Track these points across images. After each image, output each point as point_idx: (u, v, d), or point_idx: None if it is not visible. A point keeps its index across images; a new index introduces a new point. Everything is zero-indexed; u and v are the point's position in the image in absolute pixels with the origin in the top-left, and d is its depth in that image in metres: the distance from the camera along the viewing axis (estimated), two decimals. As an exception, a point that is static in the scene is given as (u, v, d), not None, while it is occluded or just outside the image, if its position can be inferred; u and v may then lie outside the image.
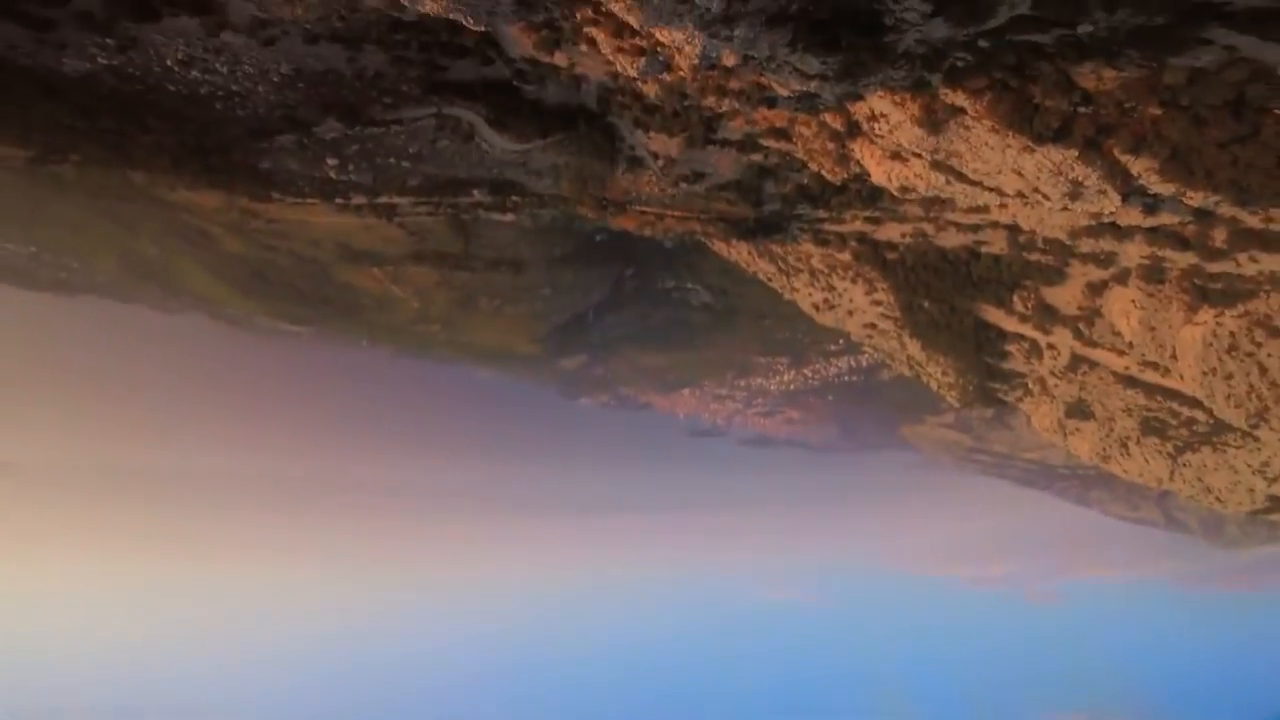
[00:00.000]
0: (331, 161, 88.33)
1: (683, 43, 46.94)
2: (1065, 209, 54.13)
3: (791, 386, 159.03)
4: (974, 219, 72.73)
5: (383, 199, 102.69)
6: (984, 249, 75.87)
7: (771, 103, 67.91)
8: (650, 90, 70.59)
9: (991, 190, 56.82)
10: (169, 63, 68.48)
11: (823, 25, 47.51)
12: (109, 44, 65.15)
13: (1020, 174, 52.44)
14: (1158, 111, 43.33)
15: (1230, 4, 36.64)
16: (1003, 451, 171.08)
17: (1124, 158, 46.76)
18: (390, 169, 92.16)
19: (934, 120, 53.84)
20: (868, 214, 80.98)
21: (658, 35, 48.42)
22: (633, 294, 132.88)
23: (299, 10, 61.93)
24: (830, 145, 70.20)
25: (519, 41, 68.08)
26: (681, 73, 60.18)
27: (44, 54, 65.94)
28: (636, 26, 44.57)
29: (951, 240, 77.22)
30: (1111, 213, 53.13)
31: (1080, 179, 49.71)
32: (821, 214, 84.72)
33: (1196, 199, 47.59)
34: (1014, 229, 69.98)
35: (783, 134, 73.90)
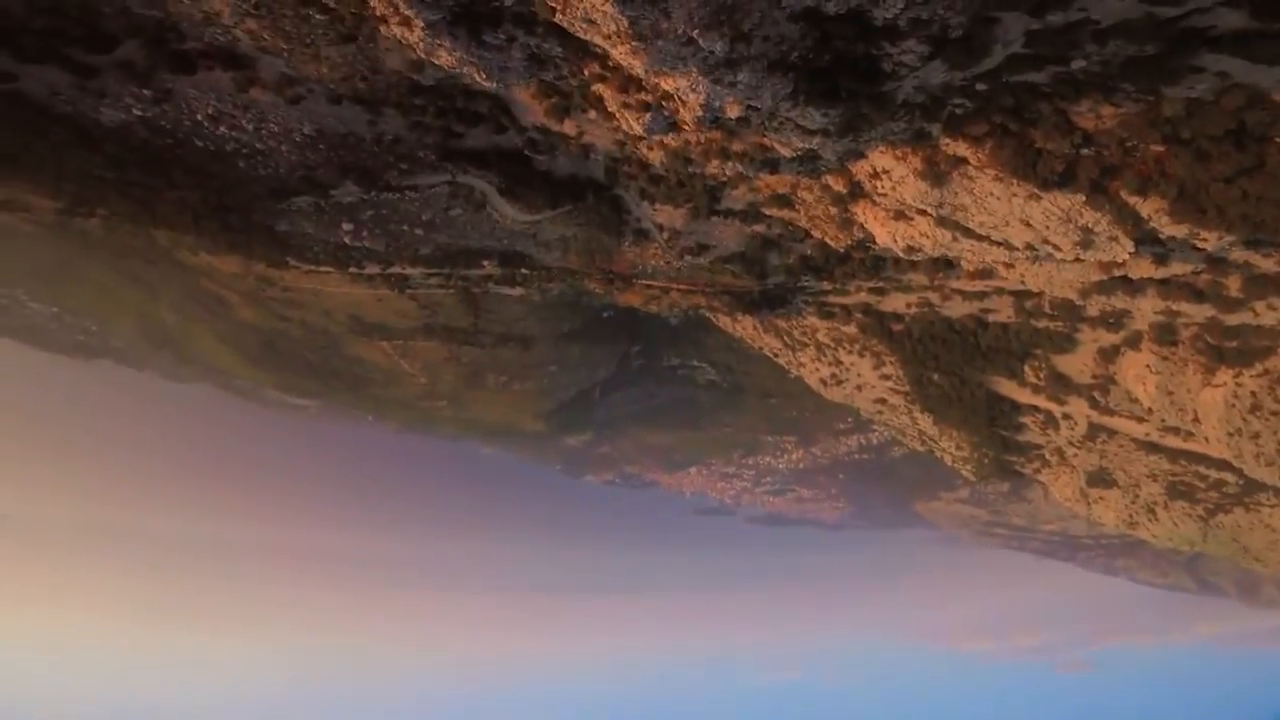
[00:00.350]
0: (347, 226, 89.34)
1: (687, 91, 47.23)
2: (1077, 259, 52.31)
3: (800, 465, 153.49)
4: (979, 285, 71.17)
5: (395, 268, 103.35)
6: (991, 317, 73.81)
7: (774, 166, 68.42)
8: (655, 157, 71.53)
9: (999, 245, 55.39)
10: (199, 117, 70.46)
11: (823, 73, 47.94)
12: (145, 95, 67.20)
13: (1028, 224, 51.08)
14: (1160, 148, 42.31)
15: (1214, 27, 36.20)
16: (1022, 524, 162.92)
17: (1131, 199, 45.34)
18: (403, 236, 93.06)
19: (937, 172, 53.30)
20: (872, 284, 79.81)
21: (663, 85, 48.94)
22: (638, 372, 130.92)
23: (324, 69, 63.95)
24: (833, 210, 70.03)
25: (530, 109, 69.80)
26: (686, 131, 60.77)
27: (84, 102, 67.99)
28: (642, 73, 44.84)
29: (958, 309, 75.35)
30: (1124, 261, 51.16)
31: (1090, 225, 48.16)
32: (825, 285, 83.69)
33: (1210, 240, 45.72)
34: (1021, 294, 68.19)
35: (785, 201, 74.12)
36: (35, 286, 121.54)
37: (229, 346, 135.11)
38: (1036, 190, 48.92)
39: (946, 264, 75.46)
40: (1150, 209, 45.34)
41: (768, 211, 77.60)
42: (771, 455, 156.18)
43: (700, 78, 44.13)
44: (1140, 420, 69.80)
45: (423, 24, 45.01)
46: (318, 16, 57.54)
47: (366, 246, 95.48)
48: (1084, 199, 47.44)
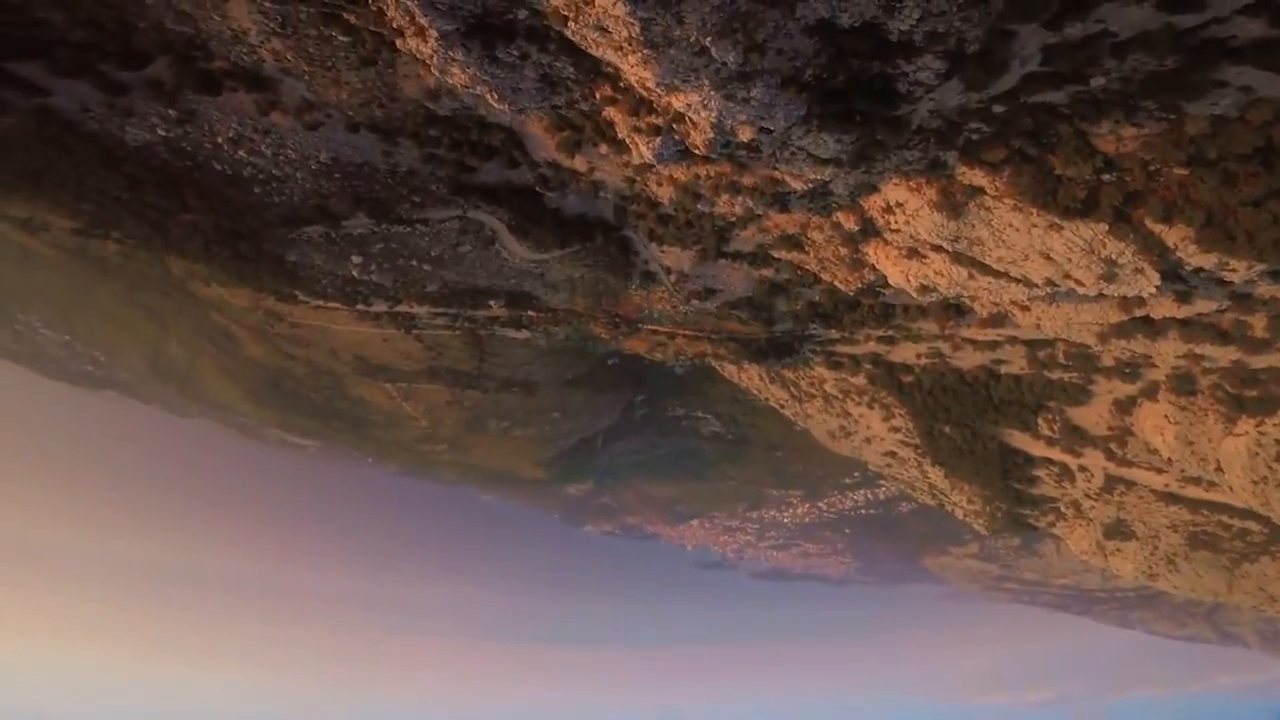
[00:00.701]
0: (356, 259, 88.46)
1: (699, 108, 46.17)
2: (1100, 295, 49.53)
3: (806, 519, 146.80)
4: (991, 335, 68.46)
5: (402, 306, 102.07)
6: (1003, 369, 70.72)
7: (784, 204, 67.23)
8: (665, 194, 70.65)
9: (1017, 281, 52.90)
10: (220, 140, 70.53)
11: (837, 95, 46.91)
12: (170, 115, 67.45)
13: (1049, 257, 48.72)
14: (1184, 171, 40.22)
15: (1234, 37, 34.65)
16: (1034, 579, 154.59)
17: (1156, 227, 43.00)
18: (411, 272, 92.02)
19: (953, 203, 51.48)
20: (881, 333, 77.25)
21: (674, 103, 48.07)
22: (642, 421, 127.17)
23: (344, 94, 64.13)
24: (843, 250, 68.25)
25: (542, 143, 69.59)
26: (696, 158, 59.79)
27: (111, 120, 68.27)
28: (653, 86, 43.86)
29: (969, 360, 72.38)
30: (1150, 294, 48.35)
31: (1114, 256, 45.69)
32: (834, 334, 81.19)
33: (1239, 270, 42.98)
34: (1034, 344, 65.31)
35: (794, 242, 72.59)
36: (50, 314, 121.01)
37: (234, 383, 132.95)
38: (1057, 220, 46.81)
39: (958, 311, 73.09)
40: (1176, 237, 43.02)
41: (776, 254, 76.06)
42: (776, 509, 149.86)
43: (712, 92, 42.94)
44: (1159, 471, 65.98)
45: (437, 34, 44.51)
46: (340, 38, 57.93)
47: (374, 281, 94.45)
48: (1107, 228, 45.21)
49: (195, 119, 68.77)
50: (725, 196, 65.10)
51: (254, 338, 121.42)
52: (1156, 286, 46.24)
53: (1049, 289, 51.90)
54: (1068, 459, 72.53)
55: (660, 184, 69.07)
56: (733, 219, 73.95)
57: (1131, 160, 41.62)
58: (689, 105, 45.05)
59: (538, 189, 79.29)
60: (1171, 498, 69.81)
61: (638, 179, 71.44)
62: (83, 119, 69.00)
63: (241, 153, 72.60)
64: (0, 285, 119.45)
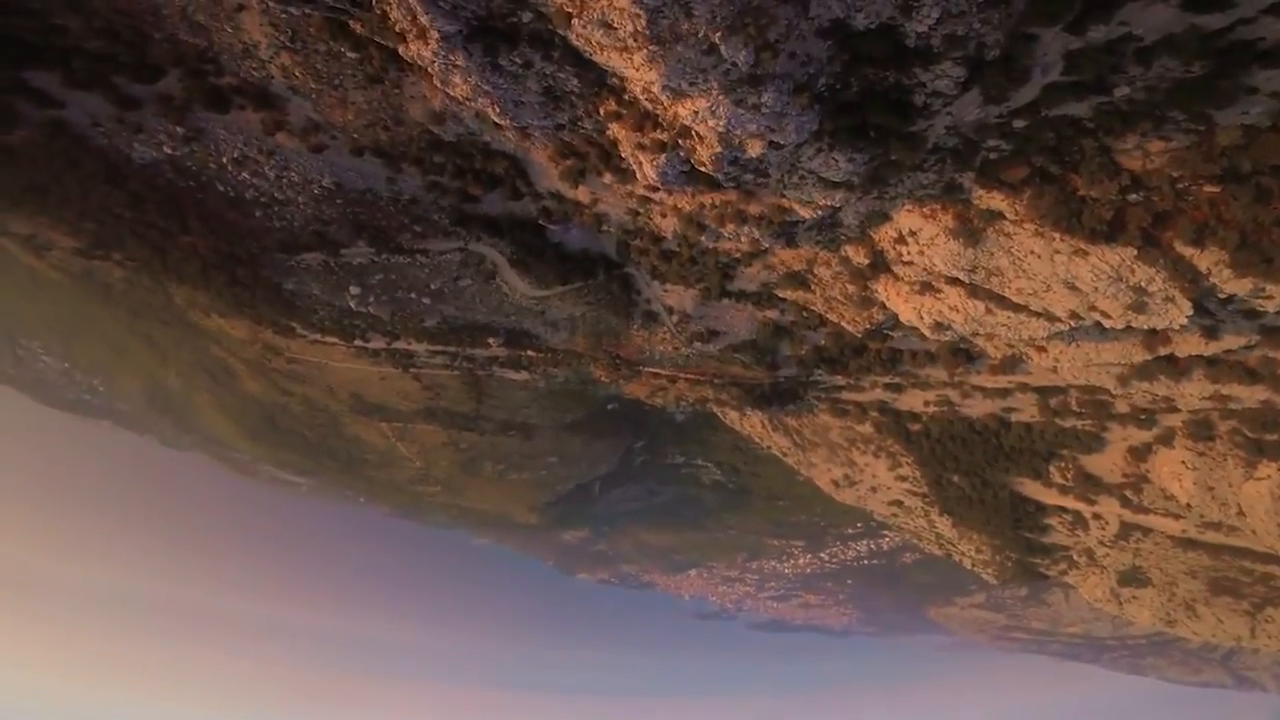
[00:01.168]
0: (354, 290, 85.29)
1: (706, 115, 43.37)
2: (1128, 328, 45.22)
3: (807, 570, 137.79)
4: (1002, 382, 63.93)
5: (400, 343, 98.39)
6: (1014, 417, 65.91)
7: (791, 236, 64.07)
8: (668, 226, 67.80)
9: (1039, 316, 48.75)
10: (225, 160, 68.58)
11: (850, 108, 44.20)
12: (178, 132, 65.76)
13: (1073, 286, 44.71)
14: (1215, 189, 36.68)
15: (1263, 39, 31.64)
16: (1042, 628, 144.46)
17: (1187, 251, 39.14)
18: (410, 305, 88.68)
19: (971, 230, 47.91)
20: (888, 380, 72.74)
21: (680, 112, 45.46)
22: (641, 468, 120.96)
23: (350, 115, 62.31)
24: (851, 288, 64.57)
25: (546, 172, 67.36)
26: (702, 187, 56.90)
27: (120, 135, 66.60)
28: (658, 91, 41.23)
29: (979, 409, 67.60)
30: (1177, 328, 44.03)
31: (1144, 284, 41.68)
32: (840, 380, 76.69)
33: (1277, 296, 38.72)
34: (1046, 391, 60.79)
35: (800, 281, 69.09)
36: (52, 340, 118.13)
37: (230, 418, 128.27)
38: (1082, 244, 43.09)
39: (967, 357, 68.81)
40: (1209, 261, 39.14)
41: (781, 293, 72.54)
42: (777, 559, 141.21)
43: (721, 97, 40.10)
44: (1177, 517, 61.51)
45: (438, 35, 42.27)
46: (348, 55, 56.35)
47: (372, 314, 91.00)
48: (1135, 253, 41.39)
49: (202, 137, 67.04)
50: (731, 226, 61.97)
51: (252, 372, 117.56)
52: (1188, 317, 42.09)
53: (1072, 323, 47.73)
54: (1081, 507, 67.36)
55: (664, 215, 66.33)
56: (737, 254, 70.89)
57: (1159, 178, 38.21)
58: (696, 113, 42.22)
59: (540, 221, 76.82)
60: (1190, 543, 65.30)
61: (641, 211, 68.81)
62: (92, 133, 67.39)
63: (245, 174, 70.56)
64: (6, 309, 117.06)
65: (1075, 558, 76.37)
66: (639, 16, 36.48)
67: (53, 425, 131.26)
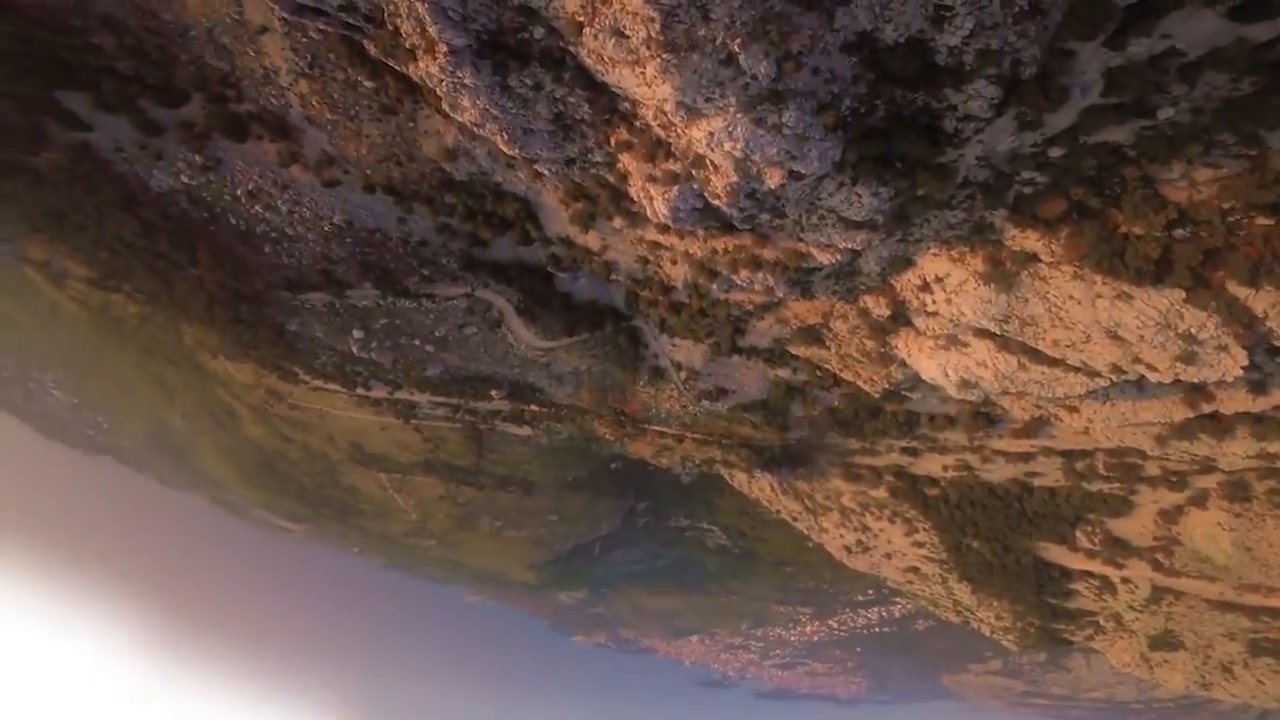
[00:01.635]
0: (357, 334, 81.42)
1: (723, 137, 39.94)
2: (1176, 380, 39.47)
3: (815, 638, 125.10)
4: (1025, 446, 57.49)
5: (402, 392, 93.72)
6: (1037, 481, 59.37)
7: (807, 286, 59.71)
8: (678, 274, 63.85)
9: (1076, 370, 43.17)
10: (239, 192, 66.69)
11: (875, 135, 40.69)
12: (196, 161, 64.32)
13: (1116, 335, 39.40)
14: (1269, 221, 32.00)
15: None
16: (1062, 693, 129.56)
17: (1241, 291, 34.08)
18: (413, 352, 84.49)
19: (1003, 273, 43.17)
20: (905, 443, 66.38)
21: (694, 135, 42.19)
22: (643, 530, 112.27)
23: (363, 149, 60.46)
24: (869, 343, 59.45)
25: (556, 215, 64.55)
26: (715, 232, 53.24)
27: (141, 162, 65.40)
28: (672, 109, 38.08)
29: (1000, 473, 60.96)
30: (1229, 381, 38.23)
31: (1194, 330, 36.42)
32: (854, 443, 70.39)
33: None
34: (1071, 455, 54.42)
35: (815, 336, 64.20)
36: (65, 375, 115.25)
37: (229, 461, 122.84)
38: (1126, 287, 38.12)
39: (988, 420, 62.64)
40: (1265, 303, 33.95)
41: (795, 350, 67.55)
42: (783, 627, 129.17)
43: (739, 115, 36.79)
44: (1212, 580, 54.13)
45: (447, 48, 39.91)
46: (365, 84, 54.79)
47: (374, 359, 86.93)
48: (1184, 295, 36.28)
49: (219, 167, 65.41)
50: (744, 273, 57.73)
51: (255, 417, 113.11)
52: (1243, 368, 36.51)
53: (1114, 378, 42.09)
54: (1109, 571, 60.35)
55: (674, 261, 62.58)
56: (749, 306, 66.51)
57: (1208, 210, 33.72)
58: (711, 135, 38.86)
59: (549, 269, 73.66)
60: (1228, 606, 58.40)
61: (651, 258, 65.24)
62: (114, 158, 66.14)
63: (258, 207, 68.43)
64: (24, 339, 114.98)
65: (1102, 623, 68.71)
66: (653, 20, 33.74)
67: (47, 457, 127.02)
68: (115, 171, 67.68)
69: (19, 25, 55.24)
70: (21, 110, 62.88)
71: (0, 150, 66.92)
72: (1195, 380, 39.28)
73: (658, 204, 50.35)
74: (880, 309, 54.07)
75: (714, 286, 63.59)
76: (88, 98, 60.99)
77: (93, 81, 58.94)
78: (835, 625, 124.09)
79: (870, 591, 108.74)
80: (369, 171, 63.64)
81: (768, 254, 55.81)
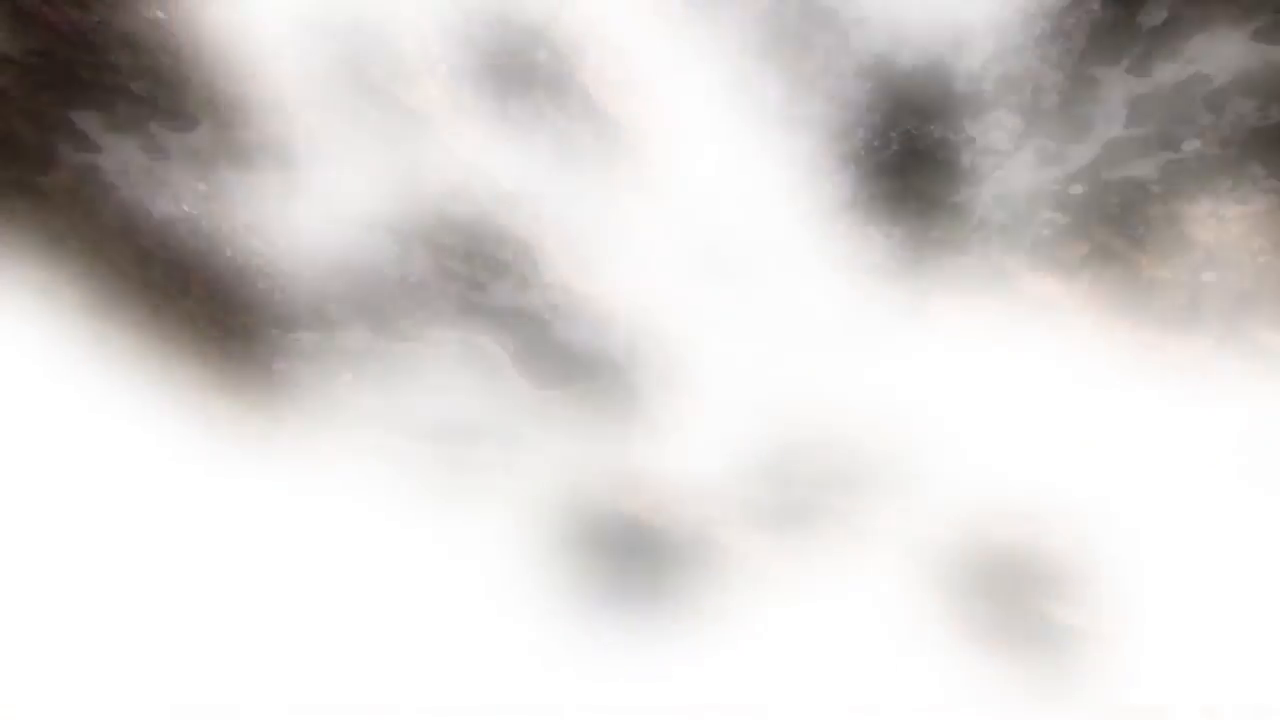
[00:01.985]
0: (347, 376, 78.43)
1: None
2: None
3: None
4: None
5: (393, 438, 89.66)
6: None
7: (809, 337, 57.21)
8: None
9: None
10: (238, 224, 65.09)
11: (887, 170, 39.05)
12: (200, 189, 62.67)
13: (1143, 386, 36.25)
14: None
15: None
16: None
17: (1276, 340, 30.98)
18: (403, 398, 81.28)
19: (1018, 321, 40.66)
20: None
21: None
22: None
23: (365, 184, 59.18)
24: (873, 399, 56.30)
25: (556, 259, 62.85)
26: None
27: (146, 187, 63.82)
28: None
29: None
30: None
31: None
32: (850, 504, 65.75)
33: None
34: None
35: (817, 393, 61.15)
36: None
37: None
38: (1152, 337, 35.30)
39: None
40: (1321, 358, 31.02)
41: (795, 408, 64.40)
42: None
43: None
44: None
45: (447, 66, 38.88)
46: (371, 111, 54.45)
47: (362, 402, 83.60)
48: (1212, 345, 33.38)
49: (221, 197, 64.46)
50: (744, 323, 55.70)
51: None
52: None
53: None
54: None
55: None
56: (749, 361, 63.98)
57: (1238, 249, 31.22)
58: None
59: (547, 317, 71.58)
60: None
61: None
62: (120, 182, 65.00)
63: (255, 240, 67.05)
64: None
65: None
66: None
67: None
68: (118, 196, 66.53)
69: (44, 40, 55.33)
70: (36, 128, 62.32)
71: (11, 168, 66.36)
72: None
73: (659, 242, 48.73)
74: (887, 363, 51.18)
75: (714, 337, 61.30)
76: (101, 118, 60.68)
77: (108, 102, 58.63)
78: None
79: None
80: (371, 206, 62.66)
81: (771, 301, 53.81)
